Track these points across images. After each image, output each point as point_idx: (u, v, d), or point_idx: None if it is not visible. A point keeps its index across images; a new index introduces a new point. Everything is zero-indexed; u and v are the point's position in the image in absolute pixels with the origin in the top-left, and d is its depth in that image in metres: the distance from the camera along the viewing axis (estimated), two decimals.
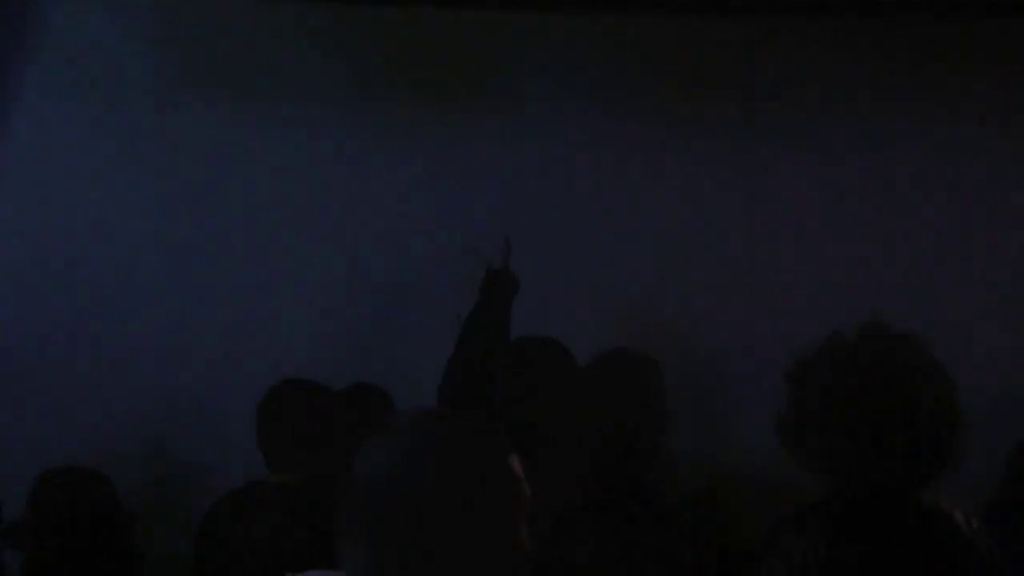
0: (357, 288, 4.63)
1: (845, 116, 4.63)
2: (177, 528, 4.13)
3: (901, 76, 4.63)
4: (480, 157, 4.67)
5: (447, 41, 4.68)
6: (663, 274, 4.54)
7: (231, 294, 4.58)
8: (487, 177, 4.67)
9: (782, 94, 4.66)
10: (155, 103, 4.63)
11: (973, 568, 2.34)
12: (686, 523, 3.21)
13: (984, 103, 4.61)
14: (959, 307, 4.36)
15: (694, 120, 4.66)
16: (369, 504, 1.98)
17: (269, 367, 4.30)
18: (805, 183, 4.55)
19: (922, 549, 2.34)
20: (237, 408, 4.14)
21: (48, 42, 4.60)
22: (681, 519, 3.21)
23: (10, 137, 4.55)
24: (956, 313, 4.30)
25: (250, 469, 3.94)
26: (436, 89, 4.68)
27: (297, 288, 4.60)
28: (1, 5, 4.51)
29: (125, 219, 4.61)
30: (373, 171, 4.66)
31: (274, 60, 4.66)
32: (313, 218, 4.66)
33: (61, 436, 4.33)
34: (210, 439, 4.53)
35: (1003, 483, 3.81)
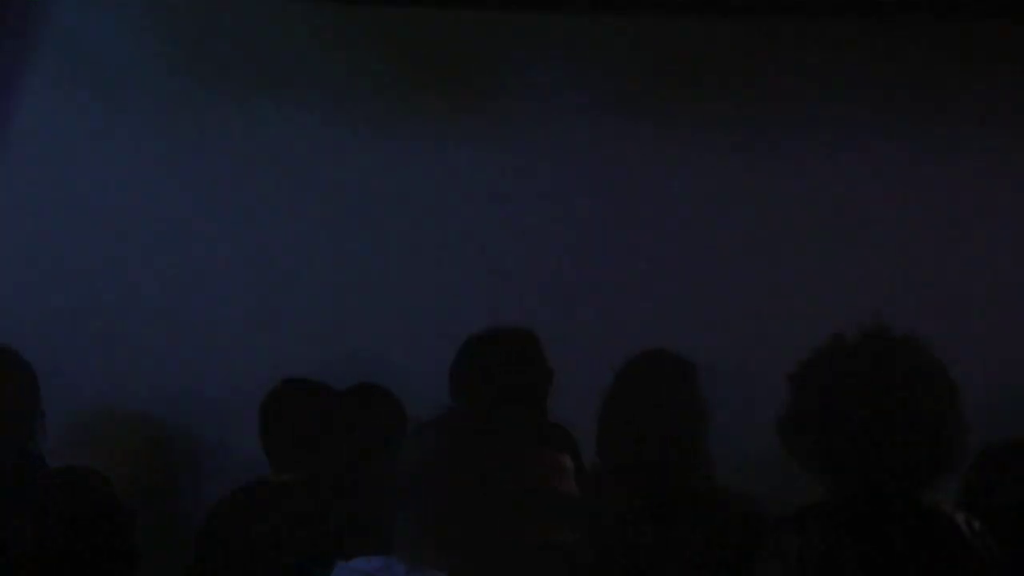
0: (358, 287, 4.64)
1: (845, 116, 4.63)
2: (178, 528, 4.13)
3: (901, 76, 4.64)
4: (480, 157, 4.67)
5: (447, 41, 4.68)
6: (663, 274, 4.55)
7: (232, 292, 4.58)
8: (487, 176, 4.67)
9: (782, 94, 4.66)
10: (157, 103, 4.63)
11: (973, 569, 2.34)
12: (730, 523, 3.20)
13: (984, 103, 4.62)
14: (959, 307, 4.36)
15: (694, 120, 4.67)
16: (415, 490, 2.05)
17: (270, 366, 4.31)
18: (805, 183, 4.55)
19: (922, 550, 2.34)
20: (238, 407, 4.14)
21: (52, 41, 4.61)
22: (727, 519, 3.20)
23: (14, 135, 4.55)
24: (956, 313, 4.30)
25: (251, 469, 3.94)
26: (436, 89, 4.68)
27: (298, 286, 4.60)
28: (6, 3, 4.51)
29: (127, 218, 4.61)
30: (374, 170, 4.66)
31: (276, 59, 4.67)
32: (314, 216, 4.67)
33: (61, 435, 4.33)
34: (211, 438, 4.54)
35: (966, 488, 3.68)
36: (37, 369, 3.98)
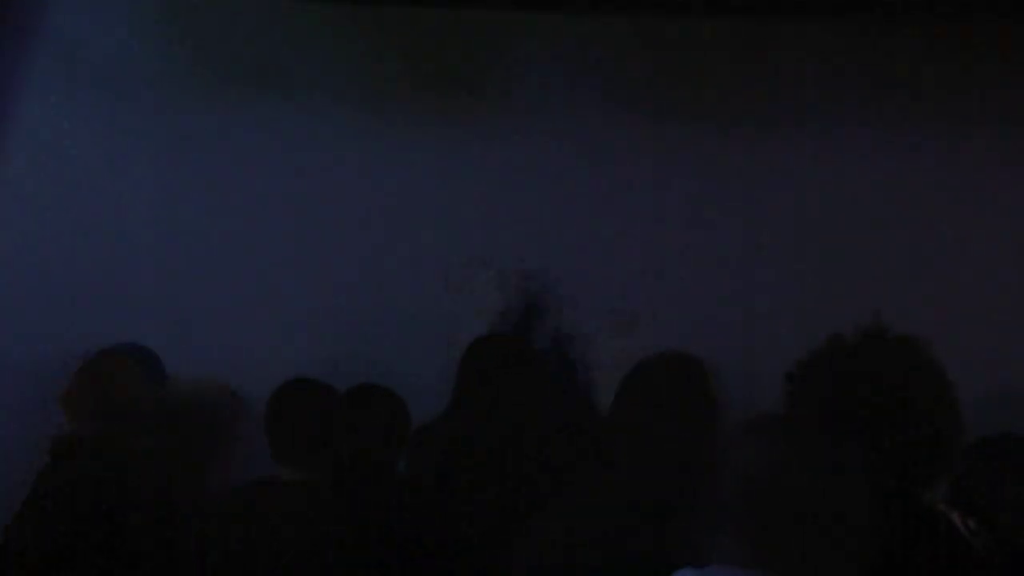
0: (358, 286, 4.64)
1: (846, 116, 4.63)
2: (179, 527, 4.12)
3: (902, 76, 4.64)
4: (480, 156, 4.67)
5: (447, 41, 4.68)
6: (663, 273, 4.55)
7: (234, 292, 4.58)
8: (487, 176, 4.67)
9: (782, 94, 4.66)
10: (158, 102, 4.63)
11: (971, 568, 2.34)
12: None
13: (984, 103, 4.61)
14: (959, 307, 4.36)
15: (695, 120, 4.67)
16: (745, 498, 2.00)
17: (271, 365, 4.30)
18: (805, 182, 4.55)
19: (920, 549, 2.34)
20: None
21: (52, 41, 4.61)
22: None
23: (15, 135, 4.55)
24: (956, 313, 4.30)
25: (253, 468, 3.94)
26: (436, 89, 4.68)
27: (299, 286, 4.60)
28: (7, 4, 4.51)
29: (128, 217, 4.61)
30: (374, 170, 4.66)
31: (276, 59, 4.67)
32: (314, 216, 4.67)
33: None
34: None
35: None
36: (35, 369, 3.98)
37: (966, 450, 3.00)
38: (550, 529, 3.12)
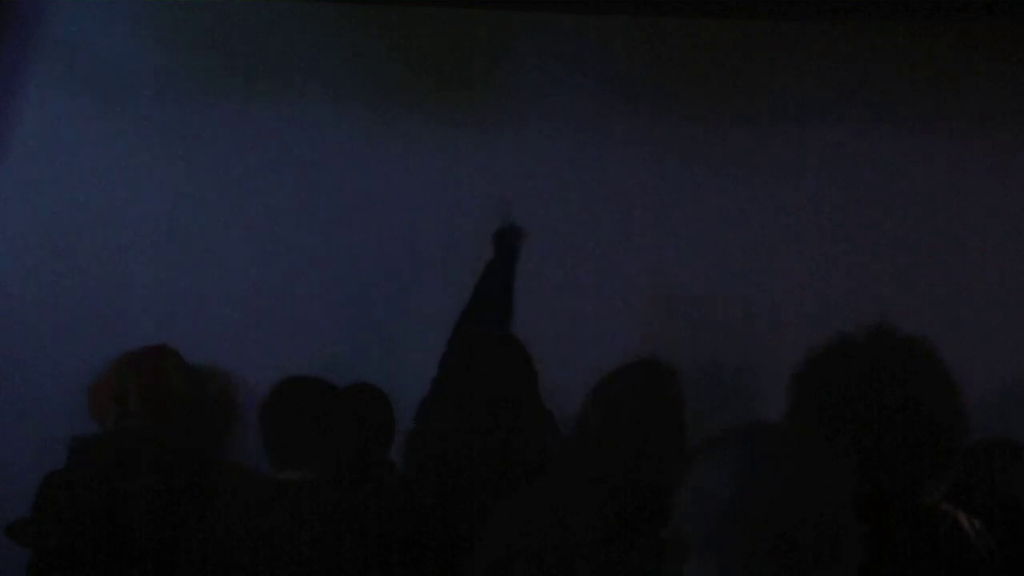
0: (358, 286, 4.64)
1: (846, 116, 4.63)
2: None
3: (902, 76, 4.64)
4: (480, 156, 4.67)
5: (447, 41, 4.68)
6: (663, 274, 4.55)
7: (234, 292, 4.58)
8: (487, 176, 4.67)
9: (782, 94, 4.66)
10: (157, 102, 4.63)
11: (975, 568, 2.34)
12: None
13: (984, 103, 4.62)
14: (960, 308, 4.36)
15: (695, 119, 4.67)
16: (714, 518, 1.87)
17: (270, 365, 4.31)
18: (806, 183, 4.56)
19: (924, 549, 2.34)
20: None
21: (53, 41, 4.61)
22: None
23: (16, 135, 4.55)
24: (957, 314, 4.30)
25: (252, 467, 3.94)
26: (436, 89, 4.68)
27: (298, 285, 4.60)
28: (7, 6, 4.51)
29: (127, 217, 4.61)
30: (374, 170, 4.66)
31: (276, 59, 4.67)
32: (314, 216, 4.67)
33: (62, 434, 4.33)
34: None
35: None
36: (36, 369, 3.98)
37: (970, 451, 3.00)
38: (504, 539, 3.11)
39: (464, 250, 4.38)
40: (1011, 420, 4.02)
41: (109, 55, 4.62)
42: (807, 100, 4.64)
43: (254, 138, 4.64)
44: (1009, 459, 3.56)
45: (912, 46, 4.68)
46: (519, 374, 3.79)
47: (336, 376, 4.12)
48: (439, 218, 4.63)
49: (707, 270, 4.55)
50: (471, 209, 4.61)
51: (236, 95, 4.64)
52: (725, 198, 4.61)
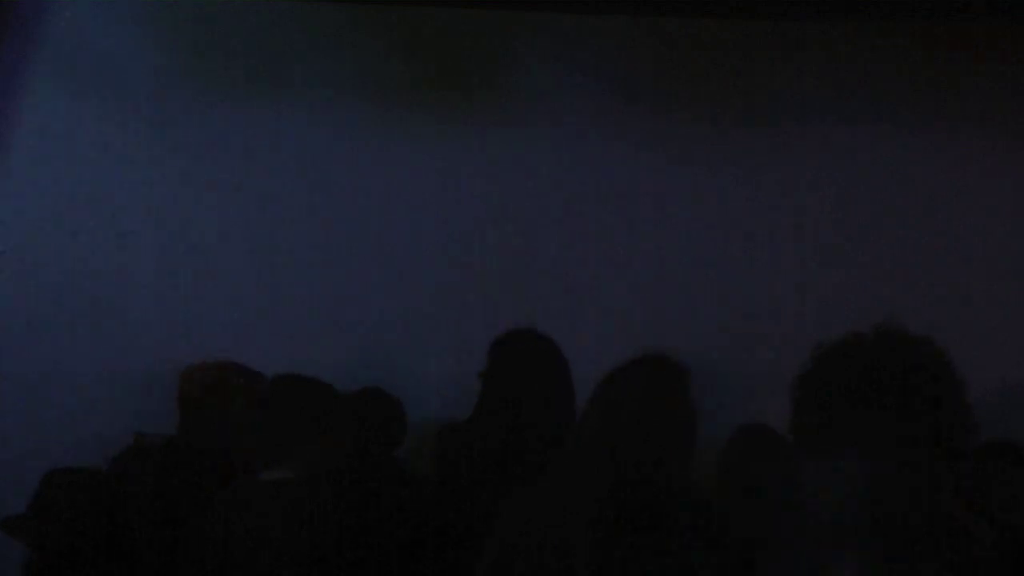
0: (358, 287, 4.63)
1: (846, 116, 4.63)
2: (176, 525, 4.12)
3: (902, 76, 4.63)
4: (480, 156, 4.67)
5: (448, 41, 4.68)
6: (664, 274, 4.54)
7: (235, 292, 4.58)
8: (487, 176, 4.67)
9: (783, 94, 4.66)
10: (157, 102, 4.63)
11: (980, 568, 2.35)
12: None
13: (984, 103, 4.61)
14: (960, 308, 4.36)
15: (696, 119, 4.66)
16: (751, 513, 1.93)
17: (270, 365, 4.31)
18: (806, 183, 4.55)
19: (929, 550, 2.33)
20: None
21: (53, 41, 4.60)
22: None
23: (16, 135, 4.55)
24: (957, 314, 4.30)
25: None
26: (436, 89, 4.68)
27: (299, 286, 4.60)
28: (7, 4, 4.51)
29: (127, 217, 4.61)
30: (374, 170, 4.66)
31: (276, 60, 4.66)
32: (313, 216, 4.66)
33: (61, 435, 4.33)
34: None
35: None
36: (35, 369, 3.98)
37: (975, 451, 2.99)
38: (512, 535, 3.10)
39: (464, 250, 4.37)
40: (1012, 421, 4.02)
41: (109, 55, 4.62)
42: (807, 100, 4.64)
43: (254, 138, 4.64)
44: (1011, 463, 3.56)
45: (912, 46, 4.67)
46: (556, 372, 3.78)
47: (336, 376, 4.13)
48: (439, 218, 4.63)
49: (708, 270, 4.55)
50: (471, 209, 4.60)
51: (236, 95, 4.64)
52: (725, 198, 4.61)
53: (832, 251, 4.52)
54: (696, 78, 4.66)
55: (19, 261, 4.56)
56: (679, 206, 4.63)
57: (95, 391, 4.50)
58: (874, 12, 4.58)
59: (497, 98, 4.69)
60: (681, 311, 4.48)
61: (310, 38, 4.67)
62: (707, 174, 4.65)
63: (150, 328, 4.51)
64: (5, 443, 4.41)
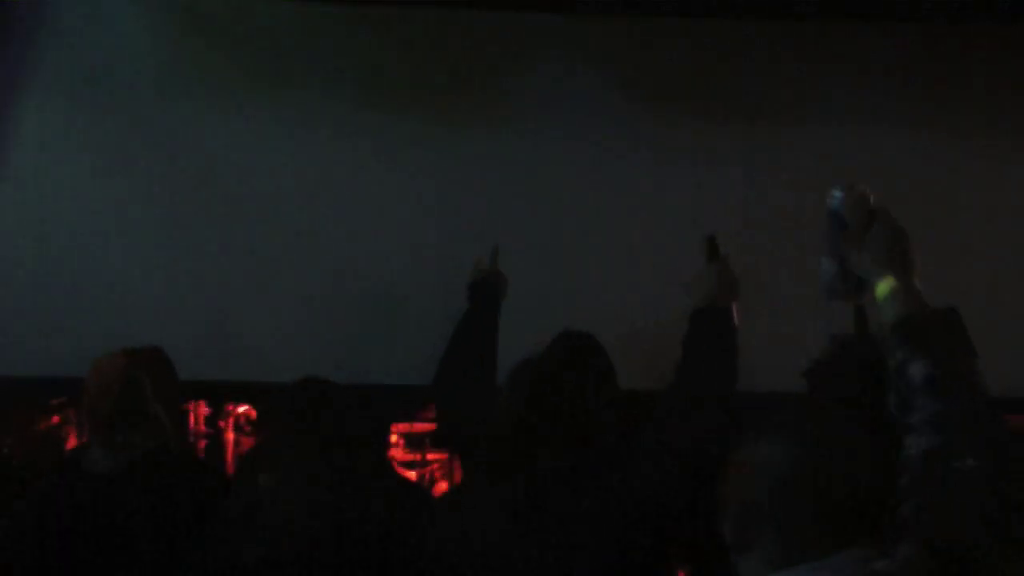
0: (358, 286, 4.64)
1: (846, 117, 4.64)
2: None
3: (902, 76, 4.64)
4: (481, 156, 4.68)
5: (448, 41, 4.69)
6: (664, 275, 4.55)
7: (233, 291, 4.59)
8: (488, 176, 4.67)
9: (782, 94, 4.67)
10: (156, 102, 4.64)
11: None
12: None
13: (984, 103, 4.62)
14: (963, 308, 4.36)
15: (696, 119, 4.67)
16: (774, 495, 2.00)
17: (269, 365, 4.31)
18: (806, 182, 4.56)
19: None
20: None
21: (53, 41, 4.61)
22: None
23: (16, 135, 4.56)
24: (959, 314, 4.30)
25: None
26: (437, 89, 4.69)
27: (299, 285, 4.61)
28: (7, 4, 4.52)
29: (127, 217, 4.62)
30: (374, 170, 4.67)
31: (276, 60, 4.67)
32: (314, 215, 4.67)
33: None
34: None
35: None
36: (35, 369, 3.98)
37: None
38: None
39: (464, 251, 4.37)
40: (1011, 422, 4.02)
41: (109, 55, 4.63)
42: (807, 100, 4.65)
43: (254, 137, 4.64)
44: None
45: (912, 46, 4.68)
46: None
47: (335, 376, 4.13)
48: (439, 218, 4.64)
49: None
50: (472, 209, 4.61)
51: (236, 95, 4.65)
52: (725, 198, 4.61)
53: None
54: (696, 78, 4.67)
55: (18, 259, 4.56)
56: (679, 205, 4.63)
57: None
58: (874, 12, 4.58)
59: (497, 98, 4.69)
60: (681, 308, 4.49)
61: (310, 38, 4.68)
62: (707, 174, 4.65)
63: (149, 325, 4.52)
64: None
